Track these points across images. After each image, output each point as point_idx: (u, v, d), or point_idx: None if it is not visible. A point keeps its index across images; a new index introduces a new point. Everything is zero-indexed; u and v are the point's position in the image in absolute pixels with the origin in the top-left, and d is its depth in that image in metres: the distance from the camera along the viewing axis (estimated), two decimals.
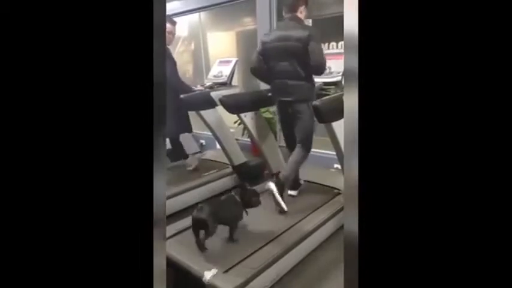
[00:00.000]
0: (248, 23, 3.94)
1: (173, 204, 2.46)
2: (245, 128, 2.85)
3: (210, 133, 3.04)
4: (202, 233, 1.72)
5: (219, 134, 2.96)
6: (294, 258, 1.89)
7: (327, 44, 3.11)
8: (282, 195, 2.22)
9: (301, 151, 2.33)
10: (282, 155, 2.84)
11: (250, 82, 3.83)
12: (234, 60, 3.09)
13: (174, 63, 2.89)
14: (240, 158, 3.12)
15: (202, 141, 4.19)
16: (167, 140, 3.09)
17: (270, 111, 3.32)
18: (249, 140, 3.28)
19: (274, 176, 2.35)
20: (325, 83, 2.30)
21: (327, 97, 2.02)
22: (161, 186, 0.74)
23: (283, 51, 2.17)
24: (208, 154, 3.63)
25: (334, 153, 2.29)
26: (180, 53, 4.76)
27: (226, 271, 1.63)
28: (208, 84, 3.04)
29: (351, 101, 0.73)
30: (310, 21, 3.10)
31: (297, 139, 2.36)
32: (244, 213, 1.91)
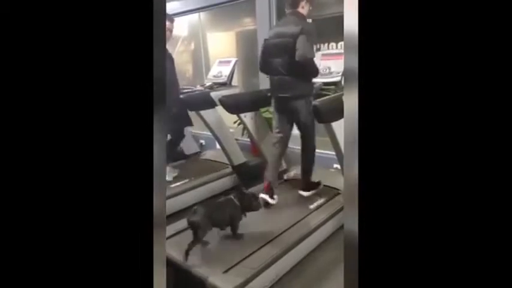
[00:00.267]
0: (248, 23, 3.94)
1: (173, 204, 2.46)
2: (245, 128, 2.85)
3: (209, 133, 3.04)
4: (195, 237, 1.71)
5: (219, 134, 2.96)
6: (294, 258, 1.89)
7: (326, 44, 3.11)
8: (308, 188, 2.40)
9: (306, 152, 2.37)
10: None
11: (250, 82, 3.83)
12: (233, 60, 3.09)
13: (172, 61, 2.88)
14: (240, 158, 3.13)
15: (202, 141, 4.19)
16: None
17: (270, 111, 3.31)
18: (248, 140, 3.28)
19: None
20: (325, 83, 2.30)
21: (327, 97, 2.02)
22: (161, 185, 0.74)
23: (278, 48, 2.19)
24: (208, 154, 3.63)
25: (334, 153, 2.30)
26: (180, 53, 4.76)
27: (226, 271, 1.63)
28: (208, 84, 3.04)
29: (351, 101, 0.73)
30: (310, 21, 3.10)
31: (300, 139, 2.39)
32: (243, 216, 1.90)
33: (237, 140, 3.30)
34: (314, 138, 2.38)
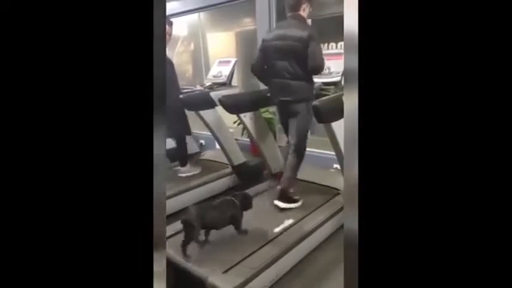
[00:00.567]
0: (248, 23, 3.93)
1: (173, 204, 2.46)
2: (244, 128, 2.85)
3: (209, 133, 3.04)
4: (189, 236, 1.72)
5: (219, 134, 2.96)
6: (294, 258, 1.89)
7: (326, 44, 3.11)
8: (287, 199, 2.25)
9: (293, 157, 2.30)
10: (282, 155, 2.84)
11: (249, 82, 3.83)
12: (233, 60, 3.09)
13: (171, 65, 2.88)
14: (240, 158, 3.12)
15: (202, 141, 4.19)
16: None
17: (270, 111, 3.32)
18: (248, 140, 3.28)
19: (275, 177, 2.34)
20: (325, 83, 2.29)
21: (327, 97, 2.02)
22: (161, 186, 0.74)
23: (282, 51, 2.15)
24: (208, 154, 3.63)
25: (334, 153, 2.30)
26: (180, 53, 4.75)
27: (225, 271, 1.63)
28: (207, 84, 3.04)
29: (351, 101, 0.73)
30: (310, 21, 3.10)
31: (290, 142, 2.32)
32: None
33: (236, 140, 3.30)
34: (305, 144, 2.34)
